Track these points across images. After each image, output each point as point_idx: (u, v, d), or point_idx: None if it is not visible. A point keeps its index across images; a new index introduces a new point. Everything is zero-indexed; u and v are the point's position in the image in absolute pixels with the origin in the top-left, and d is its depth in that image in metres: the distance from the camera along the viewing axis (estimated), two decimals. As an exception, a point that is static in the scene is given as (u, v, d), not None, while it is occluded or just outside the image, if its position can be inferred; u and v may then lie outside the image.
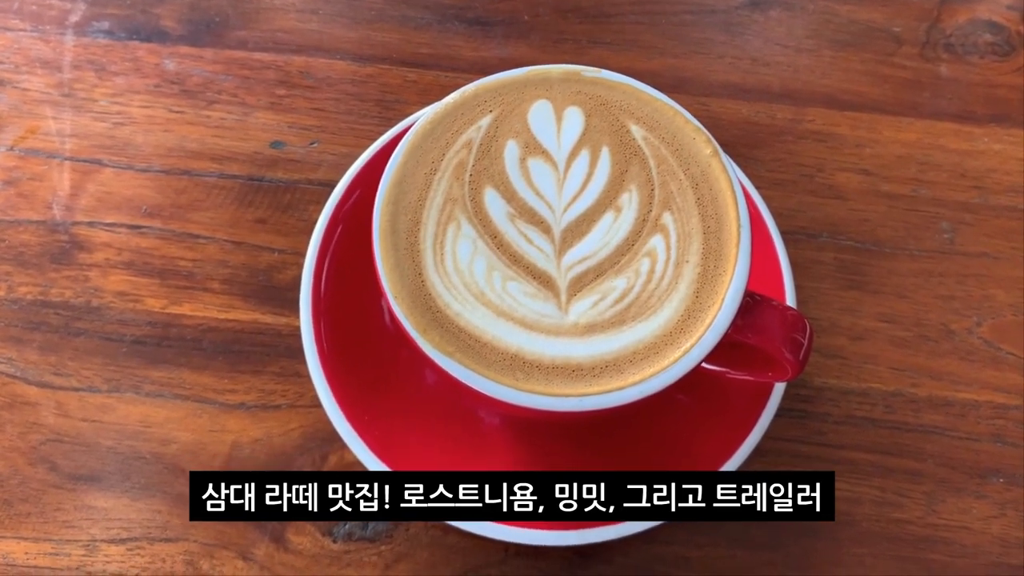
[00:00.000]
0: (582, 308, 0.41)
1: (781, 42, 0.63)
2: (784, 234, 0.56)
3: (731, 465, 0.47)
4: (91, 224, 0.55)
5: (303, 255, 0.50)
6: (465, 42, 0.62)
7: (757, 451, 0.47)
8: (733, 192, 0.43)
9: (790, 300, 0.51)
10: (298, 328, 0.48)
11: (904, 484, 0.50)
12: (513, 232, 0.42)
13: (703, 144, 0.44)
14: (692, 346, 0.40)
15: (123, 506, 0.49)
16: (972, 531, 0.49)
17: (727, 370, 0.47)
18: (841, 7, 0.64)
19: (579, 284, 0.41)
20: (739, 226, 0.42)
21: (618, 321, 0.41)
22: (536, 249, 0.42)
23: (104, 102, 0.58)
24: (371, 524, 0.49)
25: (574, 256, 0.42)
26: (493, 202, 0.43)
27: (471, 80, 0.60)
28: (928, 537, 0.49)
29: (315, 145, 0.58)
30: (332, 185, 0.56)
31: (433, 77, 0.60)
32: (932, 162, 0.59)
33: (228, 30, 0.61)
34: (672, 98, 0.59)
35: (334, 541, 0.48)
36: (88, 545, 0.48)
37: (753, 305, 0.43)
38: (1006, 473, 0.51)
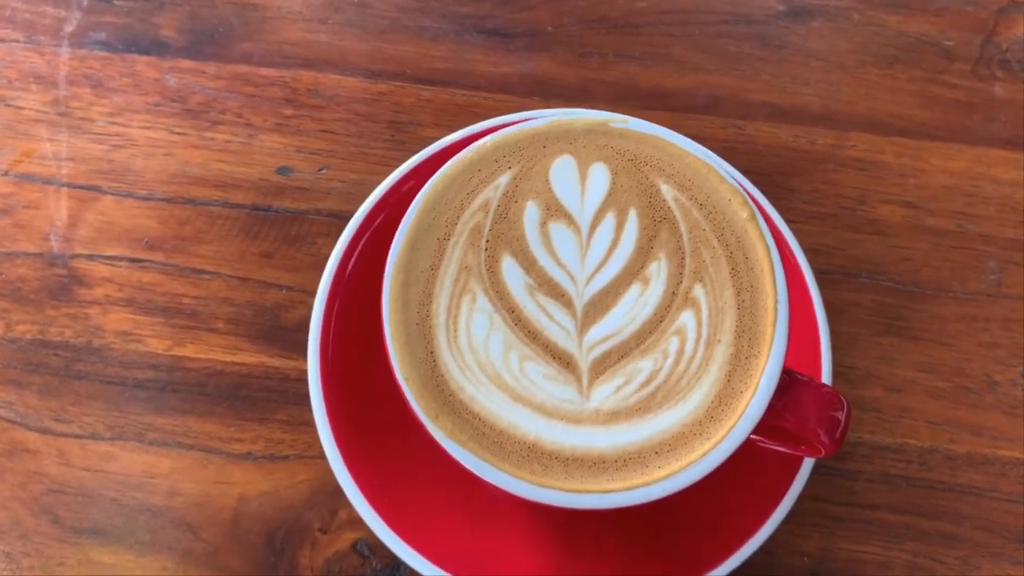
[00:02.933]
0: (605, 393, 0.38)
1: (823, 57, 0.58)
2: (820, 273, 0.53)
3: (757, 540, 0.44)
4: (90, 257, 0.52)
5: (311, 293, 0.47)
6: (484, 56, 0.58)
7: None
8: (771, 262, 0.40)
9: (824, 349, 0.48)
10: (306, 372, 0.46)
11: (938, 548, 0.48)
12: (532, 306, 0.39)
13: (739, 207, 0.41)
14: (723, 437, 0.38)
15: (128, 562, 0.47)
16: (1008, 600, 0.47)
17: (759, 439, 0.44)
18: (890, 17, 0.59)
19: (602, 366, 0.39)
20: (776, 301, 0.39)
21: (643, 408, 0.38)
22: (556, 325, 0.39)
23: (102, 122, 0.55)
24: (382, 584, 0.47)
25: (597, 334, 0.39)
26: (511, 272, 0.40)
27: (489, 100, 0.57)
28: (961, 606, 0.47)
29: (324, 172, 0.55)
30: (341, 216, 0.54)
31: (449, 96, 0.57)
32: (981, 194, 0.55)
33: (232, 41, 0.57)
34: (706, 120, 0.56)
35: (344, 603, 0.47)
36: (93, 602, 0.46)
37: (789, 384, 0.40)
38: (1047, 538, 0.48)
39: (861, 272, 0.53)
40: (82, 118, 0.56)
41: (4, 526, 0.48)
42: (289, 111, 0.56)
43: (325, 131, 0.56)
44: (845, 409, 0.41)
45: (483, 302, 0.39)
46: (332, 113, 0.56)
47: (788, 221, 0.53)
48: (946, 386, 0.51)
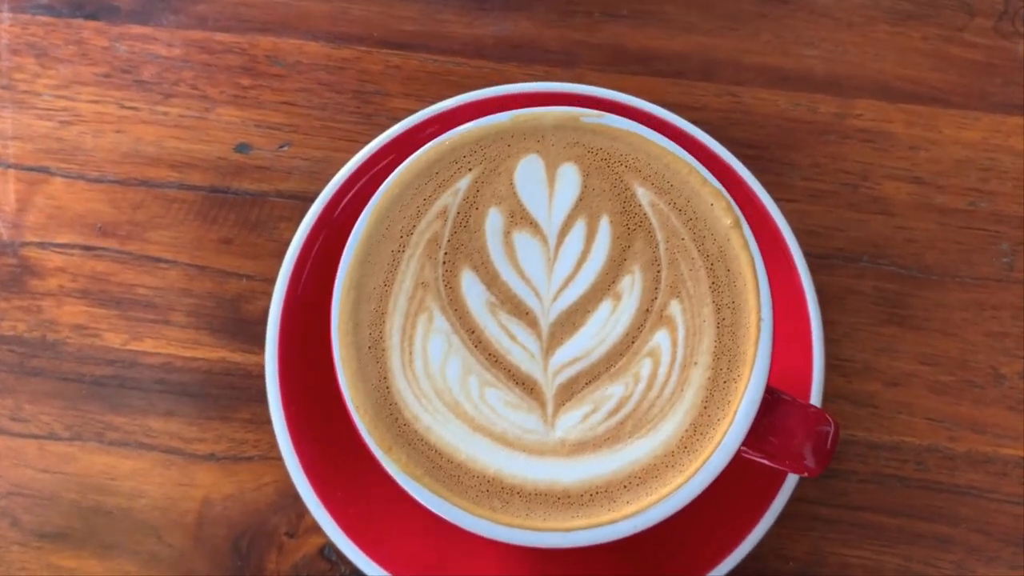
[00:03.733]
0: (571, 422, 0.36)
1: (829, 14, 0.53)
2: (817, 258, 0.49)
3: (744, 548, 0.42)
4: (42, 245, 0.50)
5: (273, 282, 0.44)
6: (456, 16, 0.53)
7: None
8: (755, 274, 0.36)
9: (816, 344, 0.44)
10: (270, 369, 0.44)
11: (932, 552, 0.46)
12: (493, 326, 0.36)
13: (722, 212, 0.37)
14: (697, 469, 0.35)
15: (91, 566, 0.46)
16: (1003, 606, 0.45)
17: (743, 449, 0.42)
18: (905, -34, 0.54)
19: (568, 392, 0.36)
20: (759, 318, 0.36)
21: (612, 438, 0.35)
22: (520, 348, 0.36)
23: (48, 96, 0.52)
24: (351, 589, 0.46)
25: (564, 356, 0.36)
26: (471, 288, 0.37)
27: (462, 66, 0.52)
28: (953, 612, 0.45)
29: (285, 149, 0.51)
30: (304, 198, 0.50)
31: (419, 62, 0.52)
32: (997, 168, 0.50)
33: (186, 3, 0.53)
34: (699, 87, 0.52)
35: (313, 609, 0.45)
36: (57, 608, 0.45)
37: (773, 404, 0.37)
38: (1048, 541, 0.46)
39: (862, 256, 0.49)
40: (26, 91, 0.52)
41: (-36, 530, 0.46)
42: (247, 81, 0.52)
43: (285, 103, 0.51)
44: (832, 429, 0.38)
45: (441, 322, 0.36)
46: (293, 83, 0.52)
47: (785, 200, 0.50)
48: (948, 380, 0.48)
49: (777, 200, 0.49)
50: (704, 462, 0.35)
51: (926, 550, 0.46)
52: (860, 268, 0.49)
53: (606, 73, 0.52)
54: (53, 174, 0.51)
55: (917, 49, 0.52)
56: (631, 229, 0.37)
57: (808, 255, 0.49)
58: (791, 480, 0.43)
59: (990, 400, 0.48)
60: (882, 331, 0.49)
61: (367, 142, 0.46)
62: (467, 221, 0.37)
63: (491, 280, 0.37)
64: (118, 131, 0.51)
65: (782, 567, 0.46)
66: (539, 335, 0.36)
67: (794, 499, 0.45)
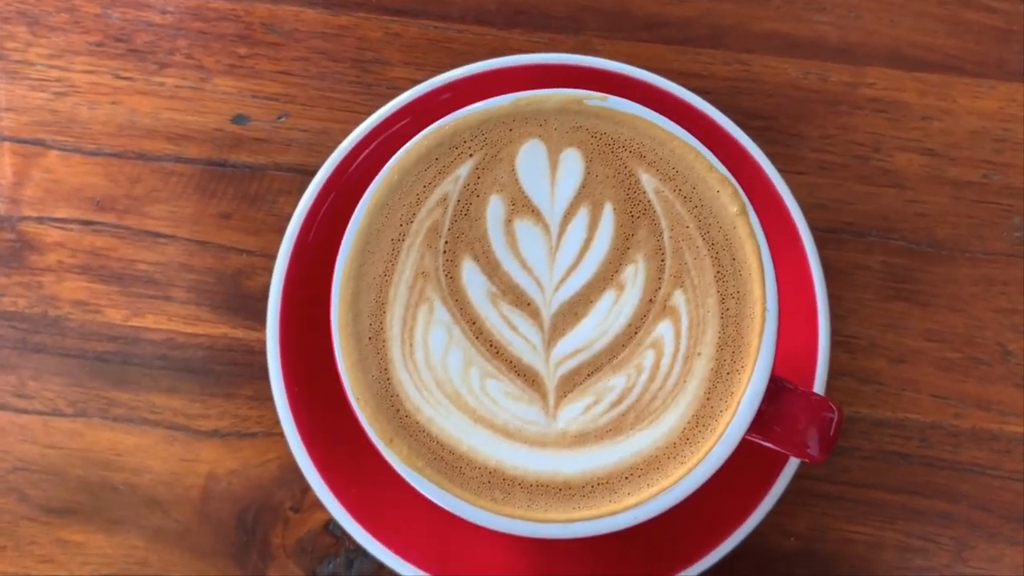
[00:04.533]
0: (573, 413, 0.35)
1: (844, -24, 0.51)
2: (826, 232, 0.48)
3: (747, 527, 0.43)
4: (40, 220, 0.49)
5: (273, 257, 0.44)
6: (459, -21, 0.51)
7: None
8: (760, 264, 0.36)
9: (822, 322, 0.44)
10: (272, 345, 0.44)
11: (932, 528, 0.46)
12: (495, 317, 0.36)
13: (728, 200, 0.36)
14: (699, 461, 0.35)
15: (99, 541, 0.47)
16: (1001, 581, 0.46)
17: (747, 434, 0.42)
18: (924, -76, 0.51)
19: (570, 383, 0.36)
20: (764, 308, 0.36)
21: (614, 429, 0.35)
22: (521, 338, 0.36)
23: (41, 66, 0.50)
24: (356, 564, 0.46)
25: (566, 348, 0.36)
26: (472, 278, 0.36)
27: (464, 33, 0.51)
28: (952, 587, 0.46)
29: (283, 120, 0.50)
30: (304, 171, 0.49)
31: (419, 29, 0.51)
32: (1012, 139, 0.49)
33: (178, -33, 0.51)
34: (707, 54, 0.50)
35: (318, 582, 0.46)
36: (67, 581, 0.46)
37: (777, 392, 0.37)
38: (1049, 517, 0.46)
39: (871, 230, 0.49)
40: (19, 61, 0.51)
41: (-27, 504, 0.47)
42: (243, 50, 0.50)
43: (283, 72, 0.50)
44: (836, 417, 0.38)
45: (441, 313, 0.36)
46: (290, 51, 0.50)
47: (794, 172, 0.49)
48: (955, 356, 0.48)
49: (786, 173, 0.48)
50: (706, 454, 0.35)
51: (927, 526, 0.46)
52: (869, 243, 0.48)
53: (612, 40, 0.50)
54: (49, 147, 0.50)
55: (933, 14, 0.51)
56: (635, 217, 0.36)
57: (816, 229, 0.48)
58: (794, 460, 0.43)
59: (996, 377, 0.47)
60: (889, 307, 0.48)
61: (366, 112, 0.45)
62: (468, 209, 0.37)
63: (492, 270, 0.36)
64: (113, 102, 0.50)
65: (784, 543, 0.46)
66: (541, 326, 0.36)
67: (797, 476, 0.45)
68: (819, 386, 0.43)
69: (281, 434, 0.46)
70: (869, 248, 0.48)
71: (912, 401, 0.47)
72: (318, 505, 0.46)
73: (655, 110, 0.39)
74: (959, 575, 0.46)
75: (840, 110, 0.50)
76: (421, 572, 0.42)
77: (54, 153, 0.50)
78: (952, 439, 0.47)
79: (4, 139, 0.50)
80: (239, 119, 0.50)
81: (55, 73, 0.50)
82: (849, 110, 0.50)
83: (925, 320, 0.48)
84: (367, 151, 0.45)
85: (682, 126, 0.39)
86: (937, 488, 0.47)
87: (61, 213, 0.49)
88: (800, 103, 0.50)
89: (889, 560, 0.46)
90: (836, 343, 0.47)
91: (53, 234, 0.49)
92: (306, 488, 0.46)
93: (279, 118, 0.50)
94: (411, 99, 0.45)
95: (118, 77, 0.50)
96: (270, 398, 0.46)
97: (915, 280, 0.48)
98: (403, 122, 0.45)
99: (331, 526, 0.47)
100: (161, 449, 0.47)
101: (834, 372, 0.47)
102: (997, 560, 0.46)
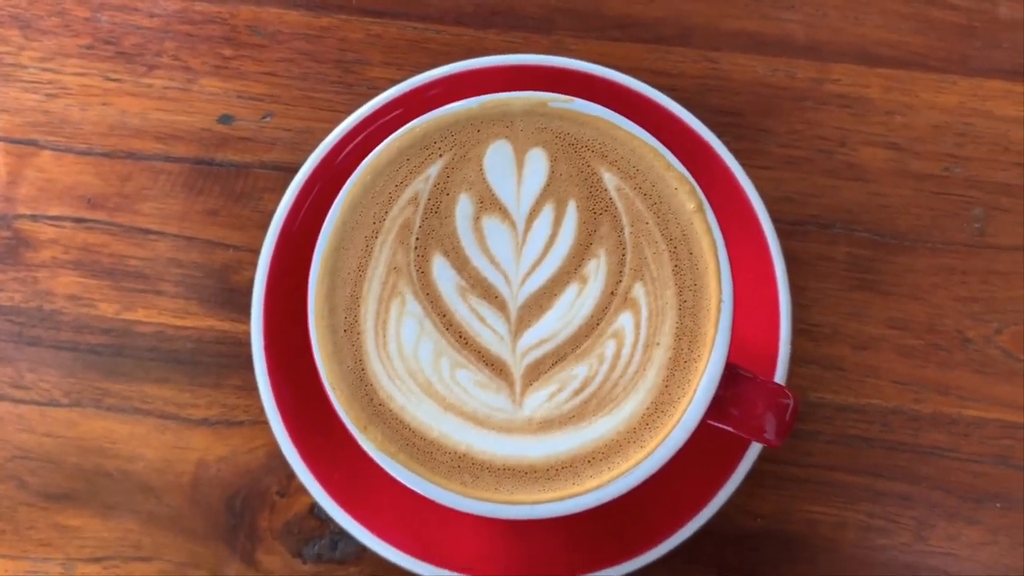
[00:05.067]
0: (538, 401, 0.37)
1: (811, -25, 0.53)
2: (791, 225, 0.50)
3: (712, 508, 0.44)
4: (34, 218, 0.51)
5: (258, 252, 0.46)
6: (436, -18, 0.53)
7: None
8: (716, 258, 0.38)
9: (784, 312, 0.45)
10: (258, 337, 0.45)
11: (894, 508, 0.48)
12: (464, 310, 0.38)
13: (686, 197, 0.38)
14: (657, 445, 0.37)
15: (95, 525, 0.49)
16: (959, 558, 0.48)
17: (708, 419, 0.44)
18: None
19: (536, 372, 0.37)
20: (720, 300, 0.37)
21: (577, 416, 0.37)
22: (489, 330, 0.38)
23: (33, 68, 0.52)
24: (340, 545, 0.48)
25: (531, 338, 0.38)
26: (442, 273, 0.38)
27: (442, 34, 0.53)
28: (912, 564, 0.48)
29: (268, 120, 0.52)
30: (287, 168, 0.51)
31: (398, 30, 0.52)
32: (972, 133, 0.51)
33: (164, -29, 0.53)
34: (676, 52, 0.52)
35: (304, 562, 0.48)
36: (64, 564, 0.48)
37: (733, 380, 0.39)
38: (1005, 498, 0.48)
39: (835, 222, 0.50)
40: (12, 64, 0.52)
41: (-27, 491, 0.49)
42: (228, 51, 0.52)
43: (267, 73, 0.52)
44: (791, 403, 0.39)
45: (413, 306, 0.38)
46: (274, 52, 0.52)
47: (761, 167, 0.51)
48: (916, 343, 0.49)
49: (753, 167, 0.49)
50: (664, 438, 0.37)
51: (888, 507, 0.48)
52: (833, 234, 0.50)
53: (584, 39, 0.52)
54: (42, 147, 0.52)
55: (898, 12, 0.52)
56: (597, 213, 0.38)
57: (782, 222, 0.50)
58: (756, 445, 0.45)
59: (956, 363, 0.49)
60: (852, 296, 0.50)
61: (348, 111, 0.47)
62: (438, 207, 0.38)
63: (461, 265, 0.38)
64: (104, 103, 0.52)
65: (750, 523, 0.48)
66: (508, 318, 0.38)
67: (762, 459, 0.47)
68: (781, 373, 0.45)
69: (267, 422, 0.48)
70: (833, 239, 0.50)
71: (874, 387, 0.49)
72: (303, 490, 0.48)
73: (622, 109, 0.40)
74: (919, 553, 0.48)
75: (806, 106, 0.51)
76: (400, 552, 0.44)
77: (47, 153, 0.52)
78: (913, 423, 0.49)
79: (-1, 140, 0.52)
80: (225, 119, 0.52)
81: (47, 75, 0.52)
82: (815, 106, 0.51)
83: (887, 308, 0.50)
84: (348, 149, 0.46)
85: (648, 124, 0.40)
86: (898, 470, 0.48)
87: (54, 211, 0.51)
88: (767, 99, 0.51)
89: (852, 539, 0.48)
90: (801, 331, 0.49)
91: (47, 231, 0.51)
92: (291, 474, 0.48)
93: (264, 118, 0.52)
94: (390, 99, 0.46)
95: (108, 79, 0.52)
96: (256, 388, 0.48)
97: (878, 270, 0.50)
98: (382, 120, 0.46)
99: (316, 510, 0.49)
100: (153, 437, 0.49)
101: (799, 359, 0.49)
102: (955, 538, 0.48)
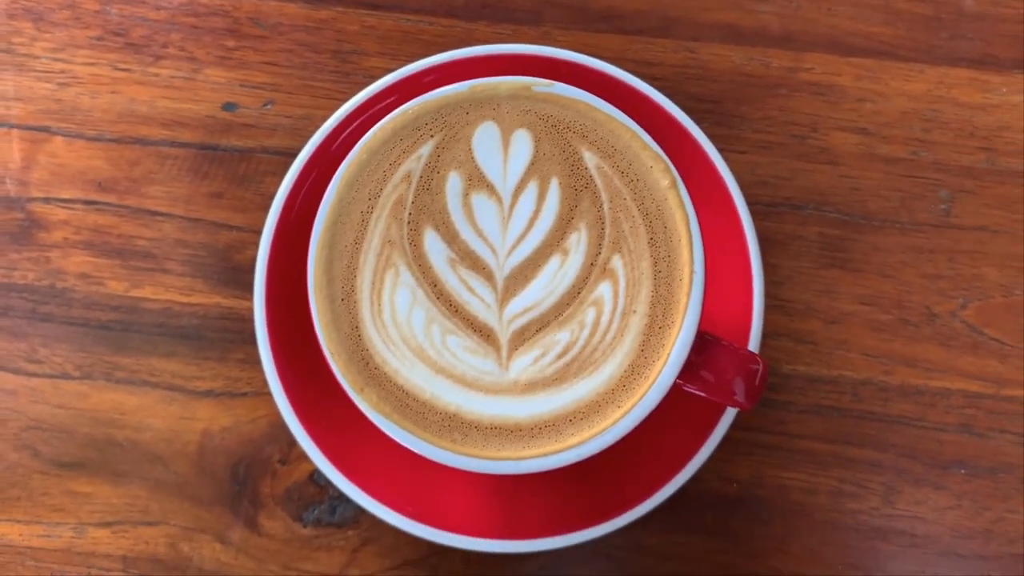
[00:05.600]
0: (523, 364, 0.40)
1: (786, -32, 0.55)
2: (766, 207, 0.53)
3: (687, 472, 0.47)
4: (47, 200, 0.54)
5: (260, 233, 0.48)
6: (430, -24, 0.55)
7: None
8: (688, 231, 0.40)
9: (757, 287, 0.48)
10: (260, 313, 0.48)
11: (863, 475, 0.51)
12: (454, 280, 0.40)
13: (660, 174, 0.41)
14: (633, 405, 0.40)
15: (105, 491, 0.51)
16: (925, 521, 0.50)
17: (683, 384, 0.46)
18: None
19: (521, 338, 0.40)
20: (692, 271, 0.40)
21: (559, 378, 0.40)
22: (477, 299, 0.40)
23: (46, 59, 0.55)
24: (339, 510, 0.51)
25: (517, 306, 0.40)
26: (433, 245, 0.41)
27: (434, 25, 0.55)
28: (880, 527, 0.50)
29: (269, 107, 0.54)
30: (288, 153, 0.54)
31: (393, 22, 0.55)
32: (939, 119, 0.54)
33: (170, -34, 0.56)
34: (657, 43, 0.55)
35: (304, 526, 0.51)
36: (76, 528, 0.51)
37: (705, 347, 0.41)
38: (969, 464, 0.51)
39: (808, 204, 0.53)
40: (26, 55, 0.55)
41: (-11, 460, 0.51)
42: (232, 43, 0.55)
43: (268, 63, 0.55)
44: (760, 368, 0.42)
45: (406, 276, 0.40)
46: (274, 43, 0.55)
47: (737, 152, 0.53)
48: (885, 318, 0.52)
49: (729, 152, 0.52)
50: (640, 398, 0.39)
51: (858, 473, 0.51)
52: (805, 215, 0.53)
53: (571, 31, 0.55)
54: (54, 133, 0.54)
55: (868, 3, 0.55)
56: (578, 190, 0.41)
57: (757, 204, 0.53)
58: (731, 411, 0.48)
59: (923, 337, 0.52)
60: (824, 274, 0.52)
61: (345, 99, 0.49)
62: (429, 184, 0.41)
63: (451, 238, 0.41)
64: (113, 92, 0.54)
65: (725, 488, 0.51)
66: (495, 287, 0.40)
67: (737, 427, 0.49)
68: (754, 344, 0.47)
69: (269, 394, 0.50)
70: (806, 220, 0.53)
71: (845, 359, 0.52)
72: (303, 457, 0.51)
73: (605, 95, 0.43)
74: (887, 516, 0.50)
75: (780, 93, 0.54)
76: (396, 513, 0.46)
77: (59, 139, 0.54)
78: (882, 394, 0.51)
79: (13, 127, 0.54)
80: (229, 106, 0.54)
81: (59, 65, 0.55)
82: (788, 93, 0.54)
83: (857, 285, 0.52)
84: (344, 134, 0.49)
85: (629, 110, 0.43)
86: (867, 438, 0.51)
87: (66, 194, 0.54)
88: (743, 87, 0.54)
89: (823, 504, 0.50)
90: (775, 307, 0.52)
91: (59, 213, 0.53)
92: (292, 442, 0.51)
93: (265, 105, 0.54)
94: (384, 86, 0.49)
95: (117, 69, 0.55)
96: (259, 361, 0.51)
97: (848, 249, 0.53)
98: (377, 107, 0.49)
99: (315, 476, 0.51)
100: (160, 408, 0.52)
101: (773, 333, 0.52)
102: (922, 503, 0.50)
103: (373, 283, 0.40)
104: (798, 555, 0.50)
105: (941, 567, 0.50)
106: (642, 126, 0.42)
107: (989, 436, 0.51)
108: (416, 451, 0.39)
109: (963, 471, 0.51)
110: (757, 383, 0.42)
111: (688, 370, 0.41)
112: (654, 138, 0.42)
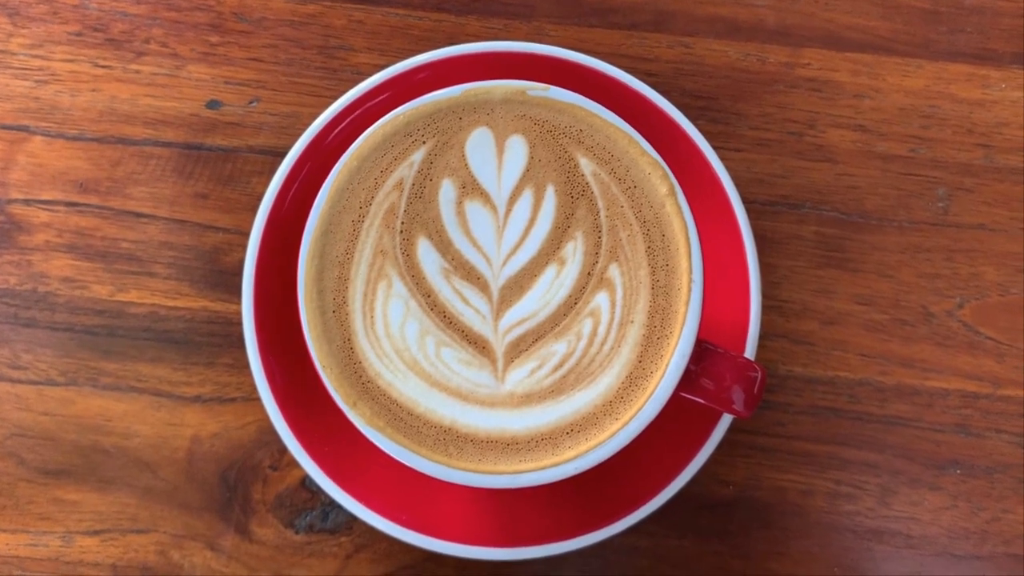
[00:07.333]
0: (519, 376, 0.39)
1: (783, -39, 0.54)
2: (764, 205, 0.52)
3: (684, 477, 0.47)
4: (27, 202, 0.52)
5: (247, 234, 0.47)
6: (418, -31, 0.54)
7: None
8: (687, 239, 0.39)
9: (754, 288, 0.47)
10: (248, 317, 0.47)
11: (859, 476, 0.51)
12: (448, 291, 0.40)
13: (658, 181, 0.40)
14: (631, 418, 0.39)
15: (93, 499, 0.50)
16: (921, 522, 0.50)
17: (681, 392, 0.46)
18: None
19: (516, 349, 0.39)
20: (691, 279, 0.39)
21: (556, 390, 0.39)
22: (472, 310, 0.39)
23: (23, 55, 0.53)
24: (331, 516, 0.50)
25: (512, 318, 0.40)
26: (426, 255, 0.40)
27: (424, 20, 0.54)
28: (876, 528, 0.50)
29: (254, 105, 0.53)
30: (275, 152, 0.53)
31: (382, 16, 0.54)
32: (937, 115, 0.53)
33: (150, -42, 0.54)
34: (652, 38, 0.53)
35: (296, 532, 0.50)
36: (64, 536, 0.50)
37: (703, 355, 0.41)
38: (965, 464, 0.50)
39: (805, 202, 0.52)
40: (1, 51, 0.53)
41: (-26, 468, 0.50)
42: (215, 38, 0.53)
43: (253, 59, 0.53)
44: (759, 376, 0.41)
45: (399, 287, 0.39)
46: (259, 39, 0.53)
47: (733, 150, 0.52)
48: (882, 318, 0.51)
49: (726, 150, 0.51)
50: (638, 411, 0.39)
51: (854, 474, 0.50)
52: (802, 214, 0.52)
53: (563, 26, 0.53)
54: (33, 133, 0.53)
55: (866, -3, 0.54)
56: (574, 197, 0.40)
57: (754, 203, 0.52)
58: (727, 416, 0.47)
59: (920, 337, 0.51)
60: (821, 273, 0.52)
61: (333, 96, 0.48)
62: (422, 192, 0.40)
63: (445, 247, 0.40)
64: (93, 90, 0.53)
65: (721, 491, 0.50)
66: (490, 298, 0.39)
67: (733, 429, 0.49)
68: (751, 348, 0.47)
69: (259, 399, 0.49)
70: (803, 219, 0.52)
71: (841, 360, 0.51)
72: (294, 463, 0.50)
73: (600, 94, 0.42)
74: (883, 518, 0.50)
75: (777, 89, 0.53)
76: (388, 521, 0.46)
77: (38, 138, 0.53)
78: (879, 394, 0.51)
79: (-10, 126, 0.53)
80: (213, 104, 0.53)
81: (37, 62, 0.53)
82: (785, 89, 0.53)
83: (854, 285, 0.52)
84: (334, 133, 0.48)
85: (623, 109, 0.42)
86: (864, 440, 0.51)
87: (47, 195, 0.52)
88: (739, 83, 0.53)
89: (819, 505, 0.50)
90: (771, 307, 0.51)
91: (40, 215, 0.52)
92: (283, 448, 0.50)
93: (251, 103, 0.53)
94: (376, 84, 0.48)
95: (97, 65, 0.53)
96: (248, 366, 0.50)
97: (845, 248, 0.52)
98: (368, 104, 0.48)
99: (307, 482, 0.50)
100: (148, 414, 0.51)
101: (769, 334, 0.51)
102: (918, 504, 0.50)
103: (365, 294, 0.39)
104: (794, 557, 0.50)
105: (937, 568, 0.49)
106: (636, 124, 0.41)
107: (985, 436, 0.51)
108: (410, 465, 0.39)
109: (959, 471, 0.50)
110: (756, 391, 0.41)
111: (686, 378, 0.40)
112: (649, 137, 0.41)
